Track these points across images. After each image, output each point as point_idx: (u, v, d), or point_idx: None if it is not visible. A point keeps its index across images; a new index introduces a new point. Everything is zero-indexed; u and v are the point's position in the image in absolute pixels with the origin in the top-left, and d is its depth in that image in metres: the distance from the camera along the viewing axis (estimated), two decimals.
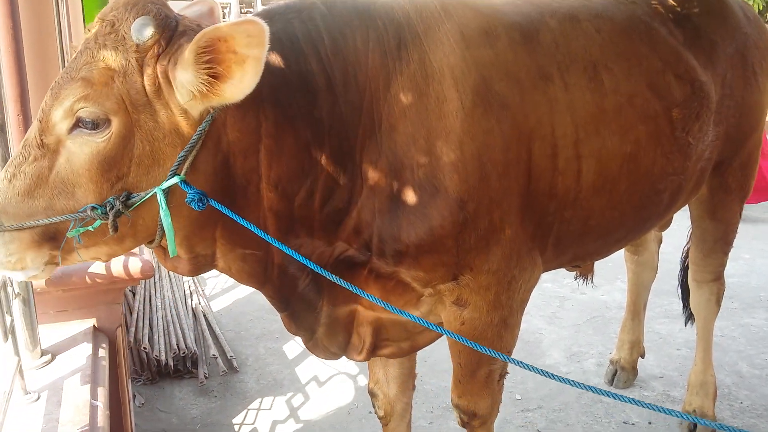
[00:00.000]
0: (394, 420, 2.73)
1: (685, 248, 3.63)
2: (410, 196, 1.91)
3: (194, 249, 1.83)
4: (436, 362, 4.05)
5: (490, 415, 2.36)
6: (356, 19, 1.93)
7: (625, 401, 1.51)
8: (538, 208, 2.13)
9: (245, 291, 5.34)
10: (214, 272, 5.69)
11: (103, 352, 2.48)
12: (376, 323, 2.21)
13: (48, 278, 2.47)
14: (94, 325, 2.62)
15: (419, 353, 2.63)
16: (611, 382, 3.98)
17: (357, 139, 1.89)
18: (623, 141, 2.25)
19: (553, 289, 5.41)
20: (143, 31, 1.58)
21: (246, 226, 1.70)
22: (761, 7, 9.48)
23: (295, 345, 4.42)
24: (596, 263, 3.21)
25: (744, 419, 3.65)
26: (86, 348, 2.44)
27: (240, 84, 1.56)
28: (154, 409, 3.76)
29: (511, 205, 2.04)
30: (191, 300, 4.92)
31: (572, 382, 1.60)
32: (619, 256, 3.55)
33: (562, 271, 2.80)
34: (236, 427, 3.62)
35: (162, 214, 1.64)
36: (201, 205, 1.64)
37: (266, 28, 1.49)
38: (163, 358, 3.94)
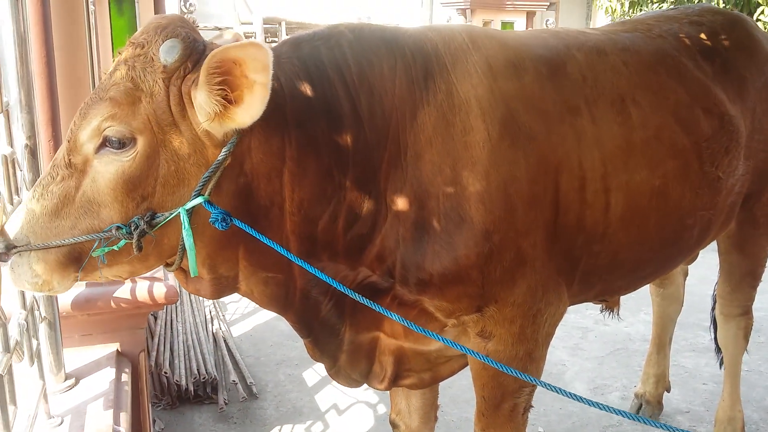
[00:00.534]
0: None
1: (717, 283, 3.58)
2: (435, 225, 1.91)
3: (217, 270, 1.84)
4: (458, 393, 4.00)
5: None
6: (383, 48, 1.95)
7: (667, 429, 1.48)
8: (566, 241, 2.11)
9: (266, 317, 5.34)
10: (234, 297, 5.67)
11: (126, 377, 2.49)
12: (398, 352, 2.20)
13: (72, 301, 2.50)
14: (117, 350, 2.64)
15: (441, 384, 2.60)
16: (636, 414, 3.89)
17: (382, 165, 1.89)
18: (652, 175, 2.23)
19: (576, 320, 5.34)
20: (171, 53, 1.62)
21: (269, 244, 1.71)
22: None
23: (314, 372, 4.39)
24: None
25: None
26: (110, 372, 2.46)
27: (250, 109, 1.61)
28: None
29: (538, 237, 2.02)
30: (212, 325, 4.92)
31: (624, 413, 1.59)
32: (643, 288, 3.50)
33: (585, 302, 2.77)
34: None
35: (184, 234, 1.66)
36: (225, 225, 1.66)
37: (270, 52, 1.54)
38: (183, 383, 3.94)
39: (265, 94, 1.58)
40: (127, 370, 2.56)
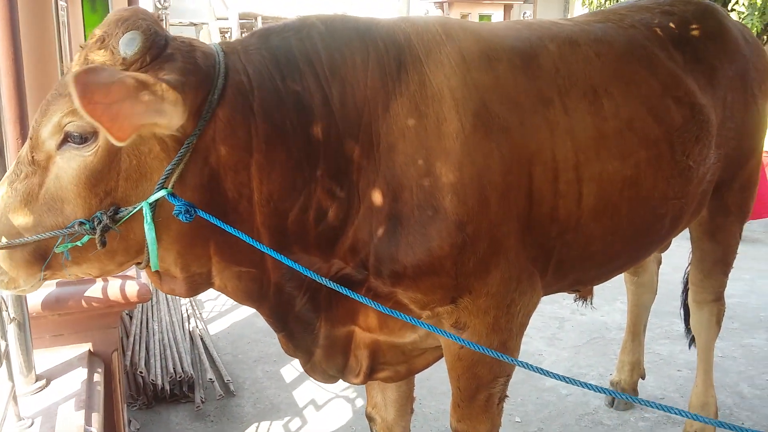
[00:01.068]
0: None
1: (687, 269, 3.62)
2: (408, 217, 1.90)
3: (190, 267, 1.83)
4: (435, 385, 4.01)
5: None
6: (356, 39, 1.93)
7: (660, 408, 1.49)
8: (540, 231, 2.12)
9: (243, 314, 5.31)
10: (212, 295, 5.64)
11: (98, 377, 2.46)
12: (373, 346, 2.19)
13: (43, 301, 2.46)
14: (89, 350, 2.60)
15: (418, 376, 2.60)
16: (612, 403, 3.94)
17: (354, 157, 1.88)
18: (624, 165, 2.24)
19: (553, 311, 5.38)
20: (131, 46, 1.60)
21: (236, 234, 1.69)
22: (759, 30, 9.56)
23: (292, 368, 4.37)
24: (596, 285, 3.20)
25: None
26: (81, 373, 2.42)
27: (161, 118, 1.58)
28: None
29: (511, 228, 2.02)
30: (189, 323, 4.88)
31: (599, 389, 1.60)
32: (618, 277, 3.52)
33: (562, 292, 2.79)
34: None
35: (146, 227, 1.65)
36: (188, 217, 1.65)
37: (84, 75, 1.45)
38: (159, 382, 3.90)
39: (157, 101, 1.54)
40: (99, 370, 2.52)
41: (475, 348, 1.80)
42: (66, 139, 1.61)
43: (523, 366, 1.67)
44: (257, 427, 3.74)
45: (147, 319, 4.59)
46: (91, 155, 1.61)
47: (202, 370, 4.25)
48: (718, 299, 3.38)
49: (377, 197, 1.89)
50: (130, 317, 4.56)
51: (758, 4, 9.28)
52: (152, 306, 4.77)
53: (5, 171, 2.08)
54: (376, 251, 1.93)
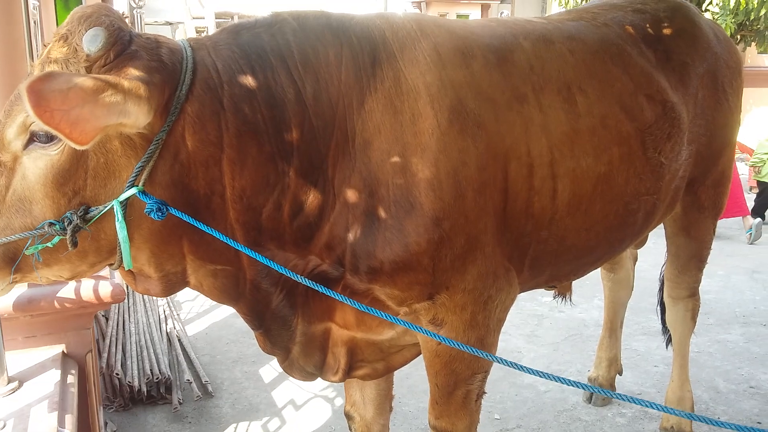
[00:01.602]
0: None
1: (664, 266, 3.66)
2: (385, 212, 1.90)
3: (163, 267, 1.81)
4: (416, 383, 4.02)
5: None
6: (329, 35, 1.92)
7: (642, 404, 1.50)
8: (515, 227, 2.13)
9: (222, 315, 5.27)
10: (189, 296, 5.59)
11: (72, 379, 2.42)
12: (351, 343, 2.19)
13: (14, 302, 2.42)
14: (63, 351, 2.56)
15: (398, 374, 2.60)
16: (590, 399, 3.97)
17: (329, 152, 1.87)
18: (597, 161, 2.26)
19: (532, 308, 5.42)
20: (94, 42, 1.57)
21: (208, 231, 1.68)
22: (732, 30, 9.71)
23: (271, 369, 4.35)
24: (574, 282, 3.22)
25: None
26: (54, 374, 2.38)
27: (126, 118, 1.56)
28: None
29: (488, 224, 2.03)
30: (166, 324, 4.84)
31: (577, 384, 1.61)
32: (597, 274, 3.56)
33: (540, 289, 2.80)
34: None
35: (117, 226, 1.63)
36: (161, 215, 1.63)
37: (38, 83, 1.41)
38: (136, 384, 3.86)
39: (120, 102, 1.51)
40: (73, 371, 2.49)
41: (452, 345, 1.80)
42: (32, 138, 1.59)
43: (500, 362, 1.68)
44: (236, 428, 3.72)
45: (123, 320, 4.54)
46: (57, 154, 1.59)
47: (180, 371, 4.21)
48: (693, 295, 3.42)
49: (353, 193, 1.88)
50: (107, 319, 4.51)
51: (731, 5, 9.42)
52: (129, 307, 4.72)
53: None
54: (352, 247, 1.92)
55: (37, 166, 1.60)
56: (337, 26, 1.96)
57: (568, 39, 2.39)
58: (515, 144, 2.08)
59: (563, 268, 2.46)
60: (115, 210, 1.62)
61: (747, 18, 9.85)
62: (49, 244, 1.63)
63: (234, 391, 4.14)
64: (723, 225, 7.57)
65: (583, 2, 10.82)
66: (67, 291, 2.50)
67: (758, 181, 8.64)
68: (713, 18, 10.04)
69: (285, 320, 2.06)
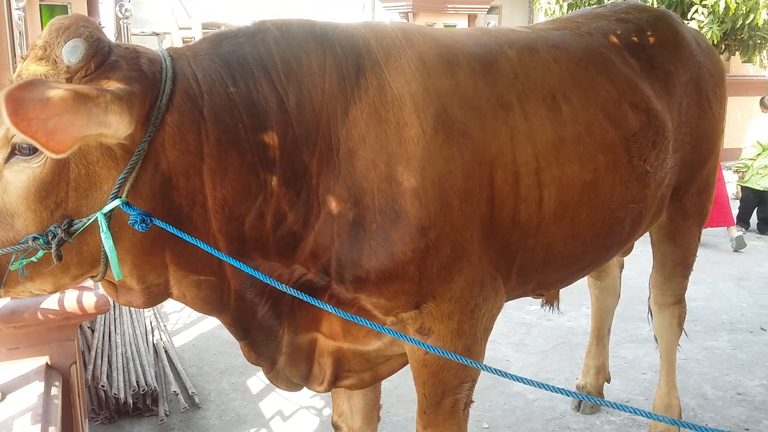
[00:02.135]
0: None
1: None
2: (370, 222, 1.89)
3: (146, 278, 1.80)
4: (404, 393, 4.00)
5: None
6: (313, 44, 1.92)
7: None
8: (502, 236, 2.13)
9: (209, 326, 5.24)
10: (176, 307, 5.55)
11: (56, 391, 2.39)
12: (337, 353, 2.18)
13: None
14: (47, 363, 2.53)
15: (387, 384, 2.59)
16: (578, 407, 3.97)
17: (312, 162, 1.86)
18: (583, 169, 2.27)
19: (520, 316, 5.42)
20: (74, 53, 1.56)
21: (191, 241, 1.67)
22: (718, 38, 9.81)
23: (258, 380, 4.32)
24: (562, 290, 3.22)
25: None
26: (38, 386, 2.36)
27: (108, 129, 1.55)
28: None
29: (474, 232, 2.03)
30: (153, 336, 4.80)
31: (566, 391, 1.60)
32: (584, 282, 3.57)
33: (528, 298, 2.81)
34: None
35: (103, 237, 1.61)
36: (145, 226, 1.61)
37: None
38: (122, 396, 3.82)
39: (100, 113, 1.50)
40: (57, 383, 2.46)
41: (439, 353, 1.79)
42: (13, 152, 1.58)
43: (487, 370, 1.67)
44: None
45: (109, 332, 4.50)
46: (39, 166, 1.58)
47: (167, 382, 4.17)
48: (680, 301, 3.44)
49: (338, 202, 1.88)
50: (92, 330, 4.47)
51: (719, 11, 9.52)
52: (115, 318, 4.67)
53: None
54: (338, 256, 1.91)
55: (19, 179, 1.58)
56: (321, 35, 1.95)
57: (553, 48, 2.41)
58: (501, 152, 2.08)
59: (551, 276, 2.46)
60: (99, 222, 1.60)
61: (733, 25, 9.95)
62: (33, 259, 1.61)
63: (221, 402, 4.11)
64: (709, 233, 7.62)
65: (569, 11, 10.90)
66: (51, 302, 2.48)
67: (742, 187, 8.70)
68: (699, 26, 10.13)
69: (271, 331, 2.05)
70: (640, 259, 4.15)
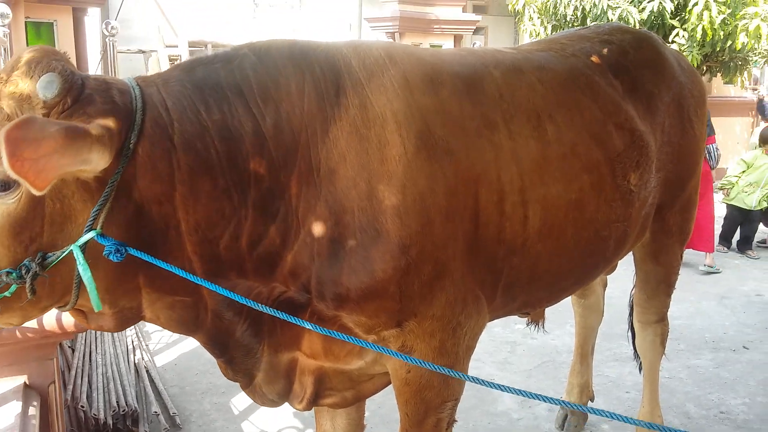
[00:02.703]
0: None
1: (632, 291, 3.69)
2: (351, 240, 1.88)
3: (118, 303, 1.78)
4: (388, 413, 3.97)
5: None
6: (291, 66, 1.92)
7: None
8: (487, 254, 2.13)
9: (191, 345, 5.17)
10: (158, 326, 5.48)
11: (33, 411, 2.36)
12: (319, 372, 2.16)
13: None
14: (25, 382, 2.49)
15: (371, 404, 2.57)
16: (562, 426, 3.96)
17: (291, 182, 1.86)
18: (567, 188, 2.28)
19: (504, 335, 5.41)
20: (50, 88, 1.54)
21: (167, 268, 1.66)
22: (699, 62, 9.93)
23: (241, 400, 4.27)
24: (547, 308, 3.23)
25: None
26: (15, 407, 2.32)
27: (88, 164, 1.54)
28: None
29: (457, 250, 2.03)
30: (134, 355, 4.74)
31: (553, 400, 1.60)
32: (569, 301, 3.57)
33: (514, 316, 2.80)
34: None
35: (81, 269, 1.59)
36: (120, 256, 1.61)
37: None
38: (101, 416, 3.75)
39: (86, 152, 1.49)
40: (35, 403, 2.42)
41: (422, 365, 1.78)
42: None
43: (471, 380, 1.66)
44: None
45: (90, 351, 4.43)
46: (14, 202, 1.56)
47: (147, 403, 4.11)
48: (662, 320, 3.45)
49: (318, 222, 1.87)
50: (73, 350, 4.40)
51: (697, 38, 9.65)
52: (96, 338, 4.61)
53: None
54: (318, 274, 1.90)
55: None
56: (300, 56, 1.95)
57: (538, 69, 2.43)
58: (485, 171, 2.09)
59: (536, 295, 2.47)
60: (75, 255, 1.59)
61: (713, 49, 10.08)
62: (6, 293, 1.59)
63: (203, 423, 4.06)
64: (692, 252, 7.66)
65: (553, 32, 11.02)
66: (30, 321, 2.44)
67: (727, 205, 8.72)
68: (680, 49, 10.27)
69: (249, 348, 2.03)
70: (622, 278, 4.16)
